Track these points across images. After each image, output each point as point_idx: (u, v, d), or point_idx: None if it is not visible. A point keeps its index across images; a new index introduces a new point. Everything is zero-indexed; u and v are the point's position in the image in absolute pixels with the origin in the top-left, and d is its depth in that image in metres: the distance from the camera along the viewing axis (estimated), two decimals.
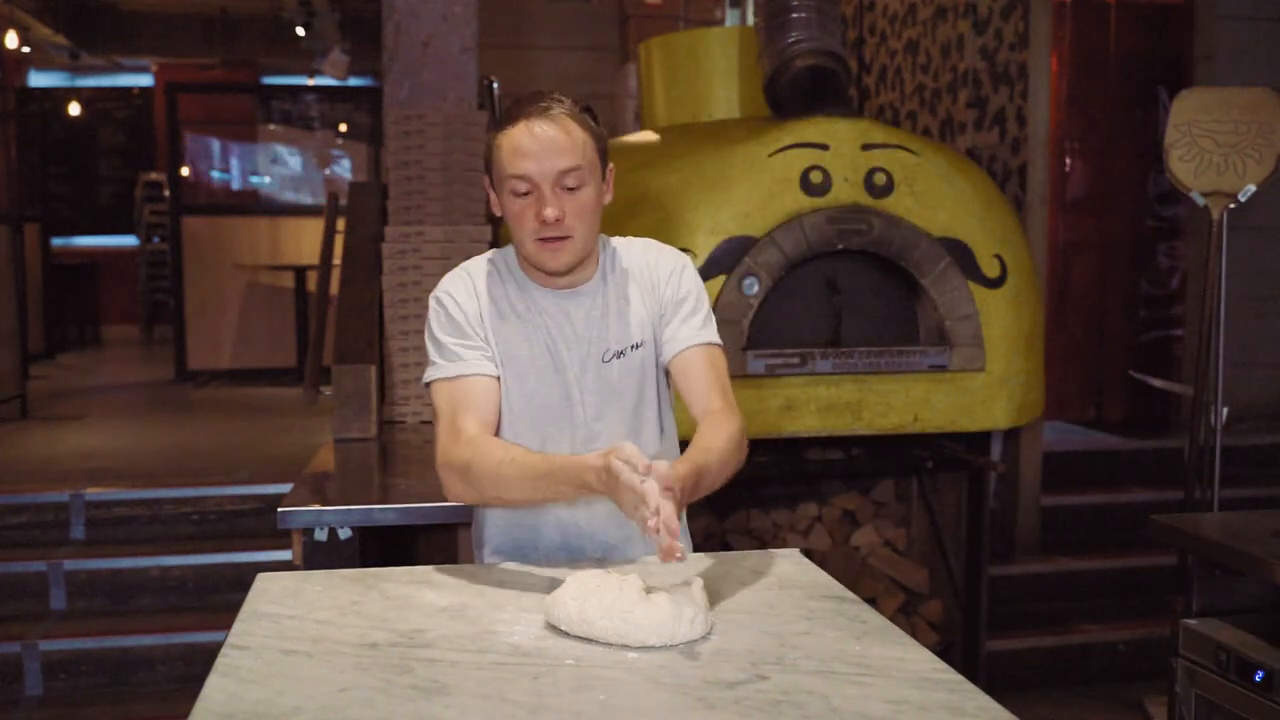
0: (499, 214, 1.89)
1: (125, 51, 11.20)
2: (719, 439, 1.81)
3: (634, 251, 1.96)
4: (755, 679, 1.38)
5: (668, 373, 1.95)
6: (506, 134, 1.82)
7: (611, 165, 1.91)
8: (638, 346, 1.91)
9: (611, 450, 1.60)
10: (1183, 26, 5.39)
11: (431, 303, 1.92)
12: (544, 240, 1.82)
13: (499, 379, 1.89)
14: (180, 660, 3.88)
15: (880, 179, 3.65)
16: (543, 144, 1.79)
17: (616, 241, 1.97)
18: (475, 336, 1.88)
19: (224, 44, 10.73)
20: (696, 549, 2.03)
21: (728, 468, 1.81)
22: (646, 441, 1.92)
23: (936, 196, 3.69)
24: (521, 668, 1.41)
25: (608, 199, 1.90)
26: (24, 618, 4.01)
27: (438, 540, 3.13)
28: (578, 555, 1.93)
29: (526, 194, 1.81)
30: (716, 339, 1.95)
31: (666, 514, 1.52)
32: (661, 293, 1.93)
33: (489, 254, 1.98)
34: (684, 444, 1.88)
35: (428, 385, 1.90)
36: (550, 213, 1.79)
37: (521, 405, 1.90)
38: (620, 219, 3.19)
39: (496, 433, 1.89)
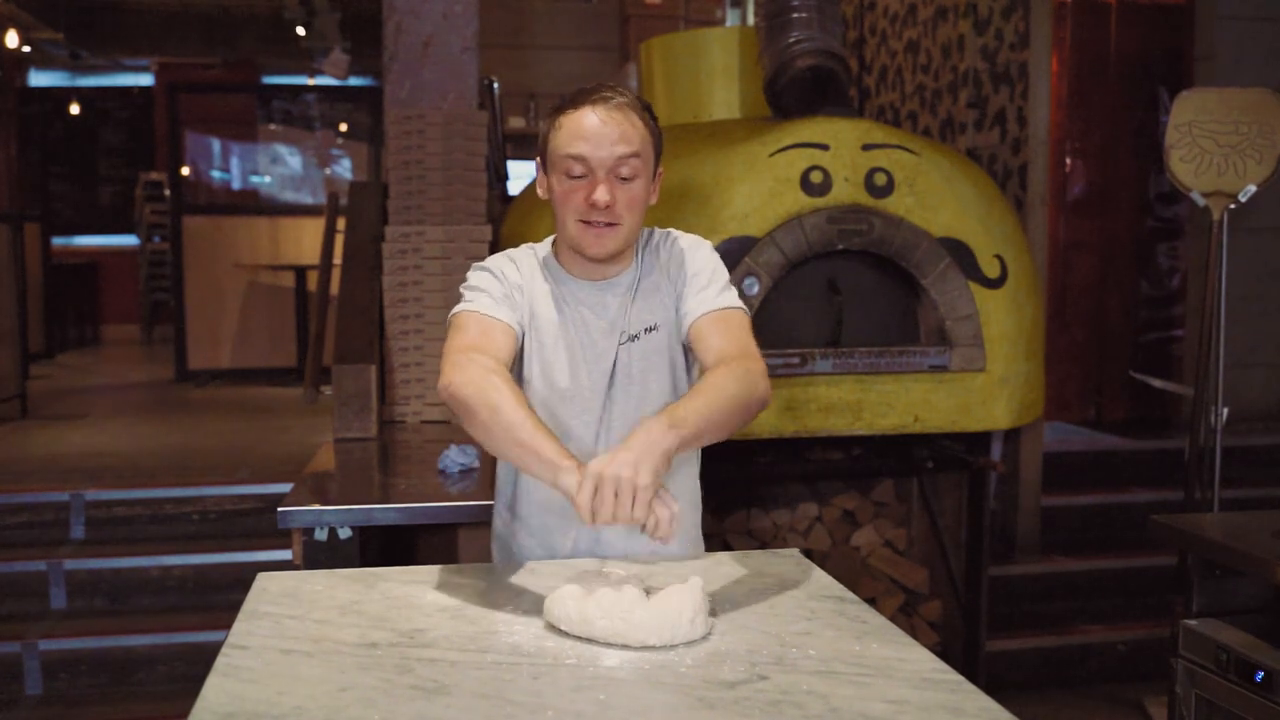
0: (545, 196, 1.89)
1: (125, 51, 11.20)
2: (723, 377, 1.74)
3: (660, 239, 1.96)
4: (755, 679, 1.38)
5: (688, 350, 1.92)
6: (569, 115, 1.82)
7: (661, 169, 1.91)
8: (652, 330, 1.90)
9: (587, 467, 1.56)
10: (1183, 26, 5.39)
11: (474, 267, 1.92)
12: (589, 224, 1.81)
13: (521, 341, 1.88)
14: (180, 660, 3.88)
15: (881, 179, 3.65)
16: (605, 129, 1.79)
17: (650, 232, 1.97)
18: (514, 297, 1.88)
19: (224, 44, 10.73)
20: None
21: (734, 414, 1.73)
22: None
23: (937, 197, 3.69)
24: (521, 668, 1.41)
25: (653, 200, 1.89)
26: (24, 617, 4.01)
27: (438, 540, 3.13)
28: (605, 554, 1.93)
29: (580, 176, 1.81)
30: (736, 304, 1.90)
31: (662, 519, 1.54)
32: (676, 274, 1.91)
33: (527, 245, 1.98)
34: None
35: (451, 319, 1.88)
36: (602, 196, 1.78)
37: (544, 390, 1.90)
38: None
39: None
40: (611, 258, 1.87)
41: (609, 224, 1.81)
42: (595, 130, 1.79)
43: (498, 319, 1.85)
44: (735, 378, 1.75)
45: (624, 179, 1.81)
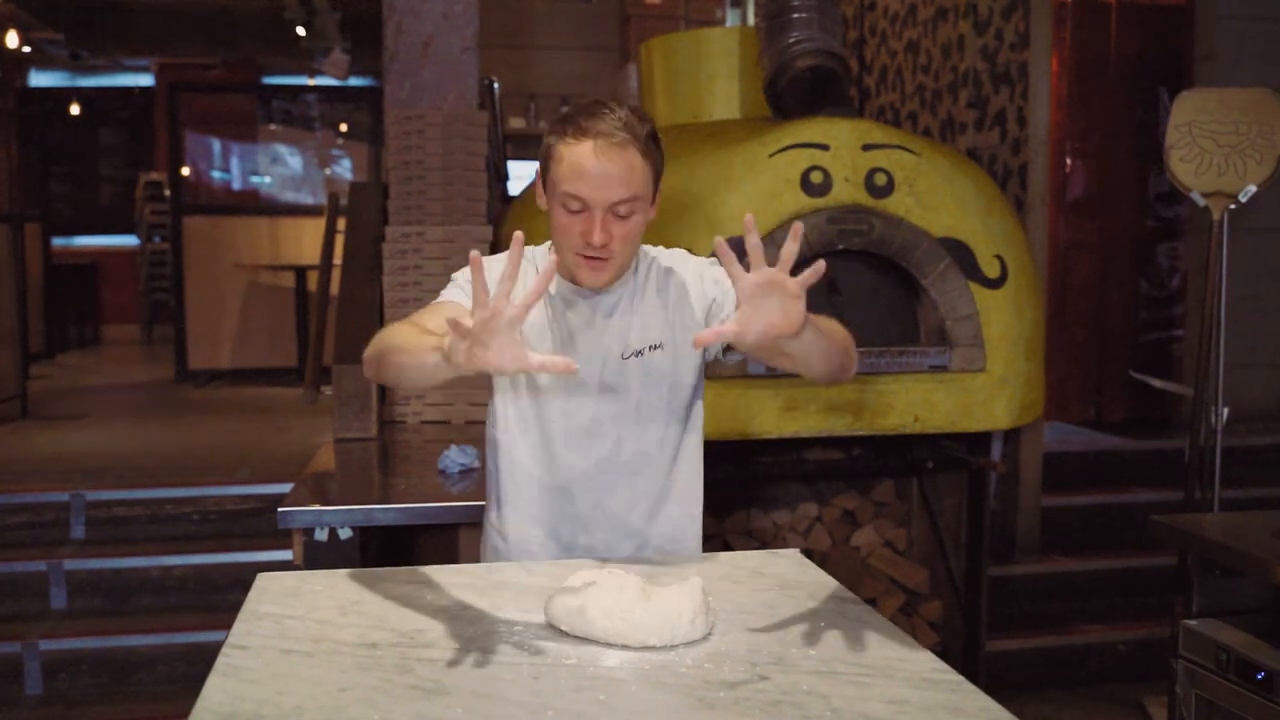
0: (543, 208, 1.89)
1: (125, 51, 11.20)
2: (836, 324, 1.77)
3: (665, 260, 1.98)
4: (755, 679, 1.38)
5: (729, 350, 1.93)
6: (570, 148, 1.80)
7: (660, 187, 1.91)
8: (656, 348, 1.92)
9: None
10: (1183, 26, 5.39)
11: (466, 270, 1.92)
12: (585, 258, 1.83)
13: None
14: (180, 660, 3.88)
15: (881, 179, 3.65)
16: (604, 171, 1.77)
17: (653, 250, 1.99)
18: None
19: (224, 44, 10.72)
20: None
21: (837, 350, 1.74)
22: (651, 445, 1.93)
23: (937, 197, 3.69)
24: (521, 668, 1.41)
25: (651, 216, 1.89)
26: (24, 618, 4.01)
27: (438, 540, 3.13)
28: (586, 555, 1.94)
29: (578, 212, 1.81)
30: None
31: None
32: (697, 293, 1.93)
33: (529, 248, 1.98)
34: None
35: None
36: (598, 239, 1.79)
37: (530, 394, 1.92)
38: None
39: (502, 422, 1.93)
40: (607, 286, 1.89)
41: (604, 259, 1.83)
42: (594, 172, 1.77)
43: (453, 301, 1.87)
44: (845, 332, 1.80)
45: (620, 217, 1.81)
